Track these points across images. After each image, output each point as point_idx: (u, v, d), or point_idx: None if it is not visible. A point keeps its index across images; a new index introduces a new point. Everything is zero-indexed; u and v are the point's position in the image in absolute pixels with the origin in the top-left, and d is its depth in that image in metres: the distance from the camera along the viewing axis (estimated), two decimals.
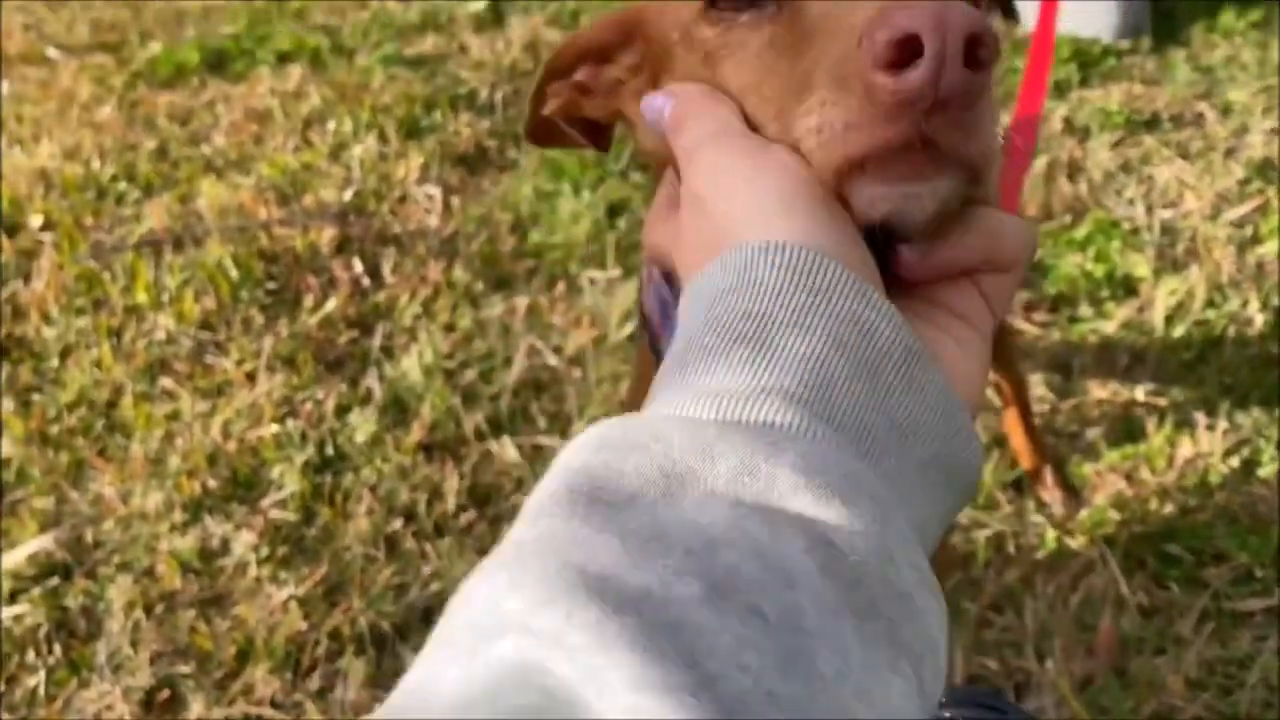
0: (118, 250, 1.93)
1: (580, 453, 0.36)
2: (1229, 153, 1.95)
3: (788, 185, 0.43)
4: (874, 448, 0.37)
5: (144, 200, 2.17)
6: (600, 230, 1.87)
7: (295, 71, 2.69)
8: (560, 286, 1.75)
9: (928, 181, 0.43)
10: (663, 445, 0.34)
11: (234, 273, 1.80)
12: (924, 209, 0.44)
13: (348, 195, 2.10)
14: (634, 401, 0.83)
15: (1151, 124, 2.08)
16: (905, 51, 0.40)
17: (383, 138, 2.31)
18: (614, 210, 1.93)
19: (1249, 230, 1.71)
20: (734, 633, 0.30)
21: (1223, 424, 1.32)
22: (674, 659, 0.28)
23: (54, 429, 1.54)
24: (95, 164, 2.30)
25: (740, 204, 0.43)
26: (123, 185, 2.22)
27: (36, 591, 1.30)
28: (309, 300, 1.75)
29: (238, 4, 3.30)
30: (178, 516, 1.37)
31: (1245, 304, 1.51)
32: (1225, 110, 2.12)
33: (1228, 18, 2.47)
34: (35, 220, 2.07)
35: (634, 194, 1.96)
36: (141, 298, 1.79)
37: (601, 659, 0.28)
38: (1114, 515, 1.23)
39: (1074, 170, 1.94)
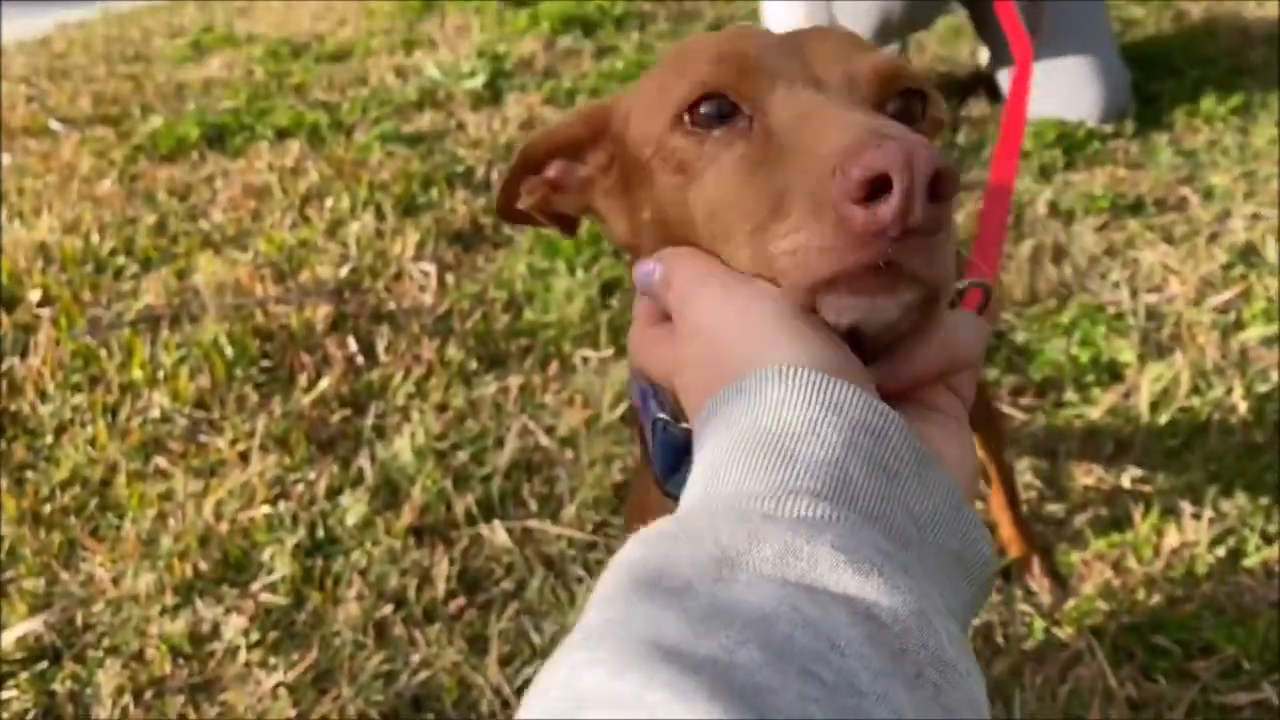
0: (114, 326, 1.95)
1: (639, 547, 0.39)
2: (1212, 237, 1.98)
3: (783, 311, 0.47)
4: (898, 536, 0.41)
5: (142, 275, 2.19)
6: (594, 309, 1.89)
7: (294, 147, 2.74)
8: (554, 365, 1.76)
9: (892, 296, 0.47)
10: (712, 536, 0.38)
11: (229, 350, 1.82)
12: (887, 319, 0.48)
13: (344, 272, 2.12)
14: (638, 496, 0.83)
15: (1136, 208, 2.12)
16: (875, 187, 0.44)
17: (380, 214, 2.34)
18: (608, 289, 1.95)
19: (1232, 315, 1.73)
20: (796, 690, 0.32)
21: (1209, 513, 1.33)
22: (747, 711, 0.31)
23: (47, 508, 1.54)
24: (95, 238, 2.32)
25: (743, 332, 0.47)
26: (121, 259, 2.25)
27: (24, 676, 1.29)
28: (303, 379, 1.76)
29: (238, 79, 3.36)
30: (169, 599, 1.36)
31: (1229, 391, 1.53)
32: (1207, 194, 2.16)
33: (1209, 103, 2.53)
34: (34, 295, 2.08)
35: (627, 273, 1.98)
36: (137, 375, 1.80)
37: (683, 711, 0.31)
38: (1102, 605, 1.23)
39: (1059, 254, 1.97)
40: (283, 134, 2.82)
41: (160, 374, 1.79)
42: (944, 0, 2.63)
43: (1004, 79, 2.66)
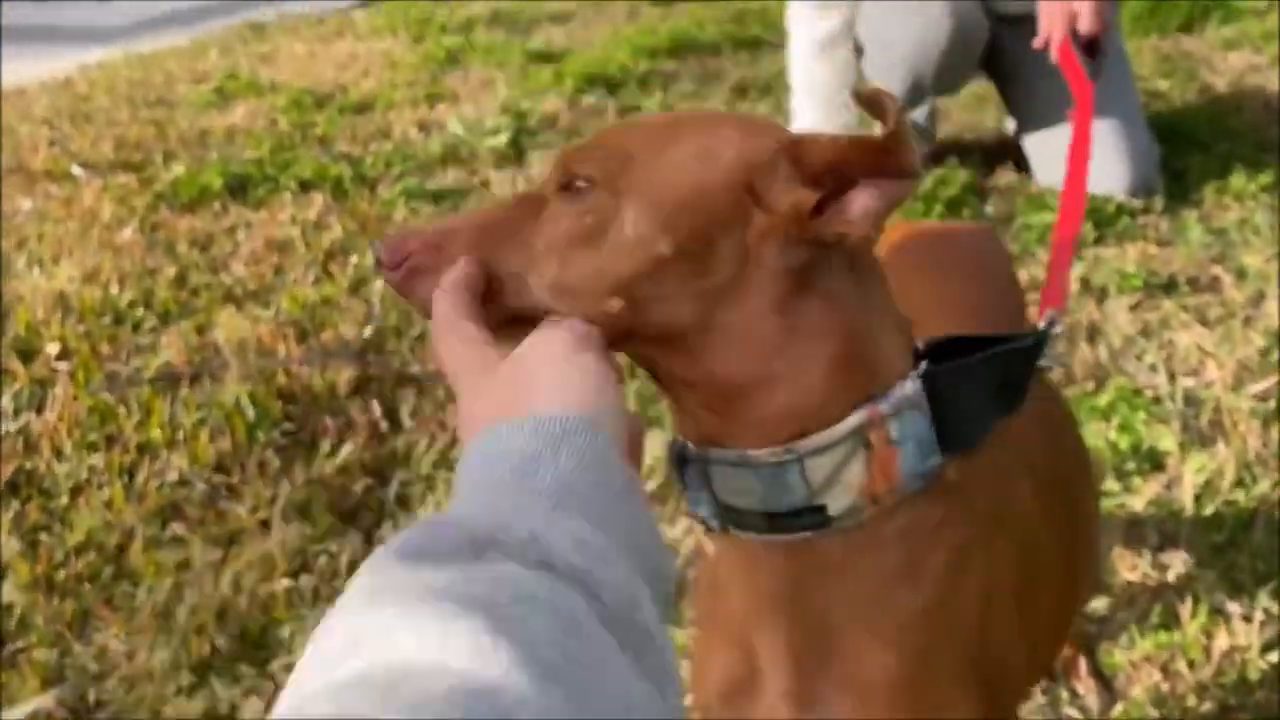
0: (133, 383, 1.92)
1: (403, 535, 0.46)
2: (1247, 320, 1.96)
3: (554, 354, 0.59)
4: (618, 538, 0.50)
5: (161, 329, 2.17)
6: (621, 379, 1.86)
7: (317, 200, 2.73)
8: None
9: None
10: (468, 527, 0.45)
11: (251, 412, 1.79)
12: None
13: (367, 332, 2.10)
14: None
15: (1169, 287, 2.09)
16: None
17: None
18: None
19: (1272, 404, 1.70)
20: (545, 624, 0.41)
21: (1259, 614, 1.29)
22: (512, 633, 0.39)
23: (60, 574, 1.51)
24: (114, 289, 2.31)
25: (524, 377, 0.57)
26: (140, 312, 2.23)
27: None
28: (325, 445, 1.73)
29: (261, 128, 3.37)
30: (185, 678, 1.32)
31: (1275, 484, 1.50)
32: (1240, 275, 2.14)
33: (1238, 180, 2.51)
34: (52, 348, 2.06)
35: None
36: (156, 435, 1.77)
37: (456, 629, 0.39)
38: (1152, 712, 1.19)
39: (1093, 333, 1.94)
40: (306, 186, 2.82)
41: (179, 435, 1.77)
42: (972, 66, 2.62)
43: (1031, 147, 2.66)
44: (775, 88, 3.53)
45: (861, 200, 0.58)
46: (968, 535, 0.66)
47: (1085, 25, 1.89)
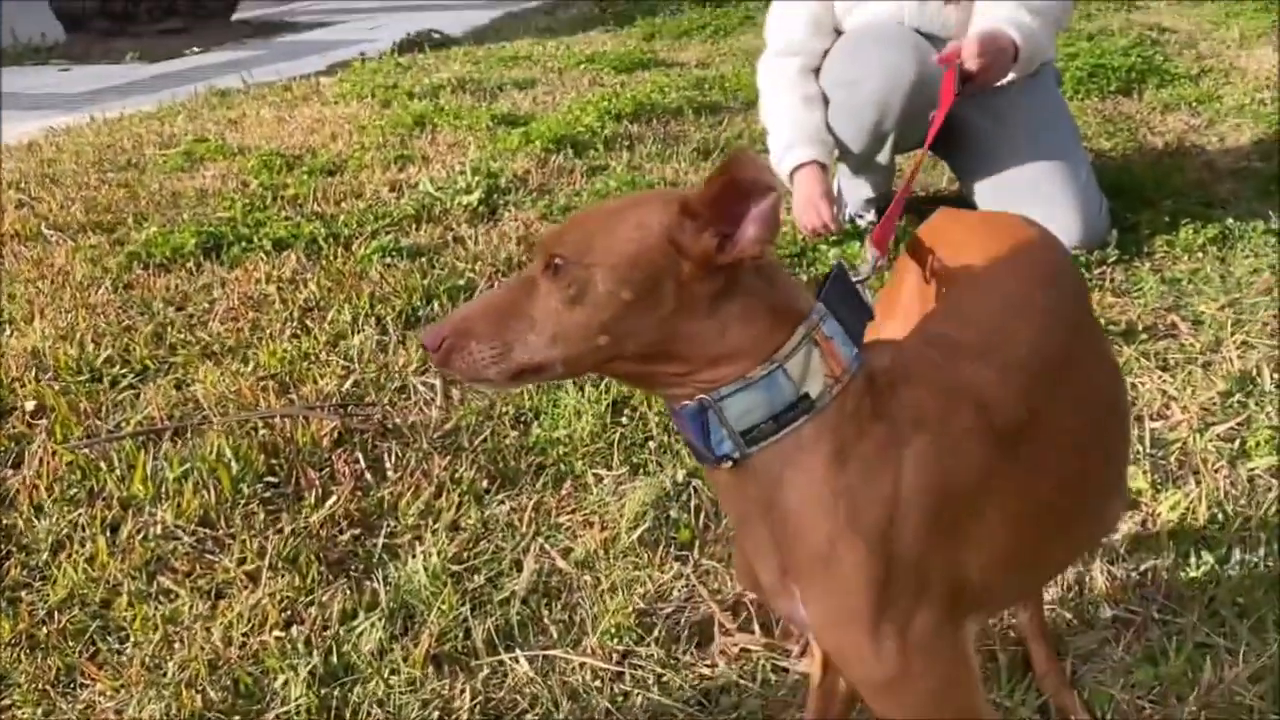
0: (114, 439, 1.91)
1: None
2: (1206, 365, 2.03)
3: None
4: None
5: (140, 385, 2.16)
6: (604, 427, 1.89)
7: (291, 258, 2.74)
8: (567, 484, 1.75)
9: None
10: None
11: (234, 465, 1.79)
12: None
13: (347, 385, 2.11)
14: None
15: (1128, 335, 2.16)
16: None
17: (381, 328, 2.34)
18: (617, 407, 1.95)
19: (1237, 443, 1.76)
20: None
21: (1243, 648, 1.33)
22: None
23: (43, 630, 1.49)
24: (90, 346, 2.30)
25: None
26: (118, 369, 2.22)
27: None
28: (311, 496, 1.73)
29: (232, 189, 3.38)
30: None
31: (1247, 520, 1.55)
32: (1196, 322, 2.22)
33: (1187, 233, 2.61)
34: (28, 405, 2.04)
35: (638, 391, 1.98)
36: (139, 489, 1.76)
37: None
38: None
39: None
40: (280, 245, 2.83)
41: (163, 489, 1.76)
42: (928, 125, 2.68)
43: (982, 202, 2.74)
44: (734, 147, 3.62)
45: (750, 231, 0.83)
46: (890, 431, 0.87)
47: (968, 63, 2.22)
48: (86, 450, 1.88)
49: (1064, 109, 2.80)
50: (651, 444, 1.83)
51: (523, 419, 1.97)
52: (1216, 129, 3.60)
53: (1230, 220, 2.67)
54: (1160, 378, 1.99)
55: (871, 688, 0.89)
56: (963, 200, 2.93)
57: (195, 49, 7.42)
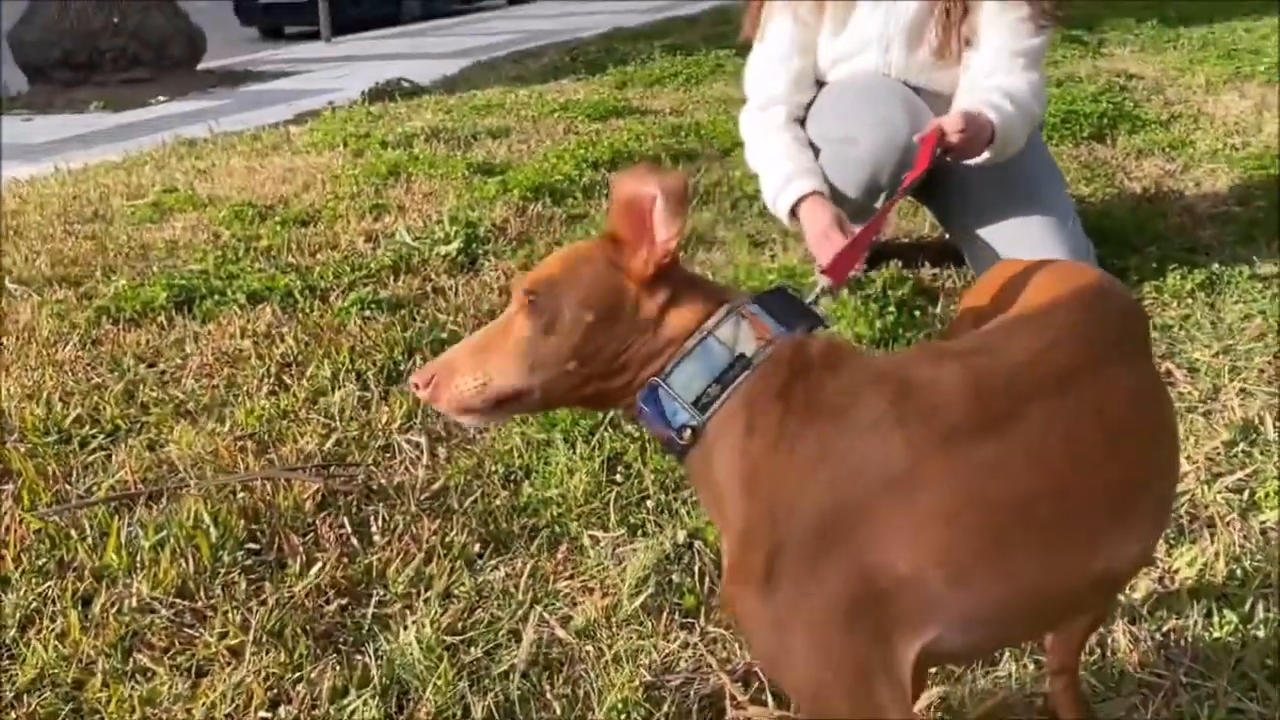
0: (85, 504, 1.83)
1: None
2: (1207, 414, 2.00)
3: None
4: None
5: (111, 446, 2.08)
6: (599, 486, 1.83)
7: (266, 312, 2.67)
8: (563, 547, 1.68)
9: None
10: None
11: (213, 532, 1.71)
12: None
13: (329, 444, 2.03)
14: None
15: None
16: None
17: (363, 383, 2.27)
18: (611, 463, 1.89)
19: (1246, 495, 1.73)
20: None
21: (1277, 715, 1.28)
22: None
23: (11, 716, 1.40)
24: (58, 406, 2.21)
25: None
26: (87, 429, 2.13)
27: None
28: (295, 564, 1.65)
29: (203, 241, 3.31)
30: None
31: (1266, 576, 1.51)
32: (1192, 370, 2.20)
33: (1175, 279, 2.60)
34: None
35: (631, 446, 1.93)
36: (112, 559, 1.67)
37: None
38: None
39: None
40: (254, 298, 2.76)
41: (139, 558, 1.67)
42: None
43: (969, 251, 2.72)
44: (714, 195, 3.60)
45: (658, 234, 0.97)
46: (799, 409, 0.94)
47: (951, 136, 2.17)
48: (56, 518, 1.79)
49: (1048, 156, 2.79)
50: (649, 503, 1.77)
51: (513, 477, 1.90)
52: (1192, 174, 3.63)
53: (1216, 265, 2.67)
54: None
55: (758, 654, 1.00)
56: (946, 248, 2.92)
57: (160, 98, 7.36)
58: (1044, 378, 0.95)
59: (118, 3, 8.18)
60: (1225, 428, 1.93)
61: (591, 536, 1.71)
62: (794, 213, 2.52)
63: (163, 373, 2.40)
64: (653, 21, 9.65)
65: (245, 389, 2.28)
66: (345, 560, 1.67)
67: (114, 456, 2.03)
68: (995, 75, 2.42)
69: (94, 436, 2.10)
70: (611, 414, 2.03)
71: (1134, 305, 1.14)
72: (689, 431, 0.97)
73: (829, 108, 2.53)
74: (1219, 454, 1.86)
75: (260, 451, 2.02)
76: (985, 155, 2.41)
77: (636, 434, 1.98)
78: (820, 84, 2.69)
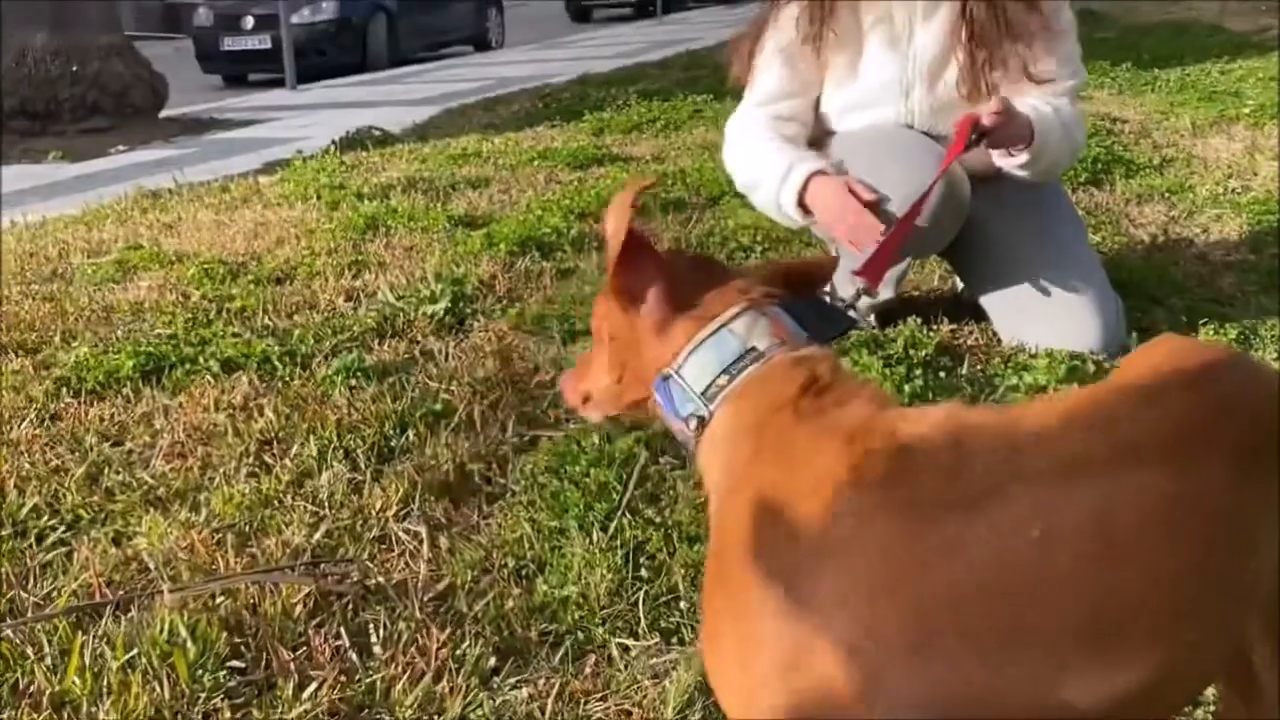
0: (44, 618, 1.62)
1: None
2: None
3: None
4: None
5: (72, 540, 1.86)
6: (623, 582, 1.64)
7: (243, 381, 2.47)
8: (590, 660, 1.50)
9: None
10: None
11: (191, 648, 1.50)
12: None
13: (318, 535, 1.84)
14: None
15: None
16: None
17: (352, 463, 2.08)
18: (634, 555, 1.71)
19: None
20: None
21: None
22: None
23: None
24: (12, 493, 2.00)
25: None
26: (45, 520, 1.92)
27: None
28: (287, 685, 1.45)
29: (172, 302, 3.11)
30: None
31: None
32: None
33: (1208, 334, 2.48)
34: None
35: (654, 534, 1.75)
36: (74, 683, 1.46)
37: None
38: None
39: None
40: (229, 366, 2.56)
41: (105, 681, 1.46)
42: (959, 224, 2.47)
43: (991, 306, 2.59)
44: (709, 246, 3.45)
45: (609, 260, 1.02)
46: (751, 427, 0.96)
47: (985, 119, 2.13)
48: (10, 633, 1.58)
49: (1072, 208, 2.68)
50: (681, 604, 1.59)
51: (525, 572, 1.71)
52: (1197, 220, 3.54)
53: (1246, 320, 2.55)
54: None
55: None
56: (960, 301, 2.79)
57: (121, 147, 7.14)
58: (1044, 461, 0.83)
59: (76, 50, 7.98)
60: None
61: (620, 645, 1.52)
62: (801, 205, 2.33)
63: (129, 452, 2.19)
64: (623, 67, 9.58)
65: (222, 470, 2.08)
66: (343, 679, 1.47)
67: (75, 554, 1.82)
68: (1032, 97, 2.34)
69: (53, 529, 1.89)
70: (629, 499, 1.85)
71: (1258, 402, 0.92)
72: (696, 421, 0.99)
73: (853, 163, 2.38)
74: None
75: (241, 545, 1.82)
76: (1024, 158, 2.30)
77: (658, 518, 1.80)
78: (828, 133, 2.56)
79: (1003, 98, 2.18)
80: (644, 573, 1.67)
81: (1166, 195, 3.84)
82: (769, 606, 0.83)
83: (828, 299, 1.13)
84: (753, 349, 0.97)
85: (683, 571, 1.65)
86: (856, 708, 0.80)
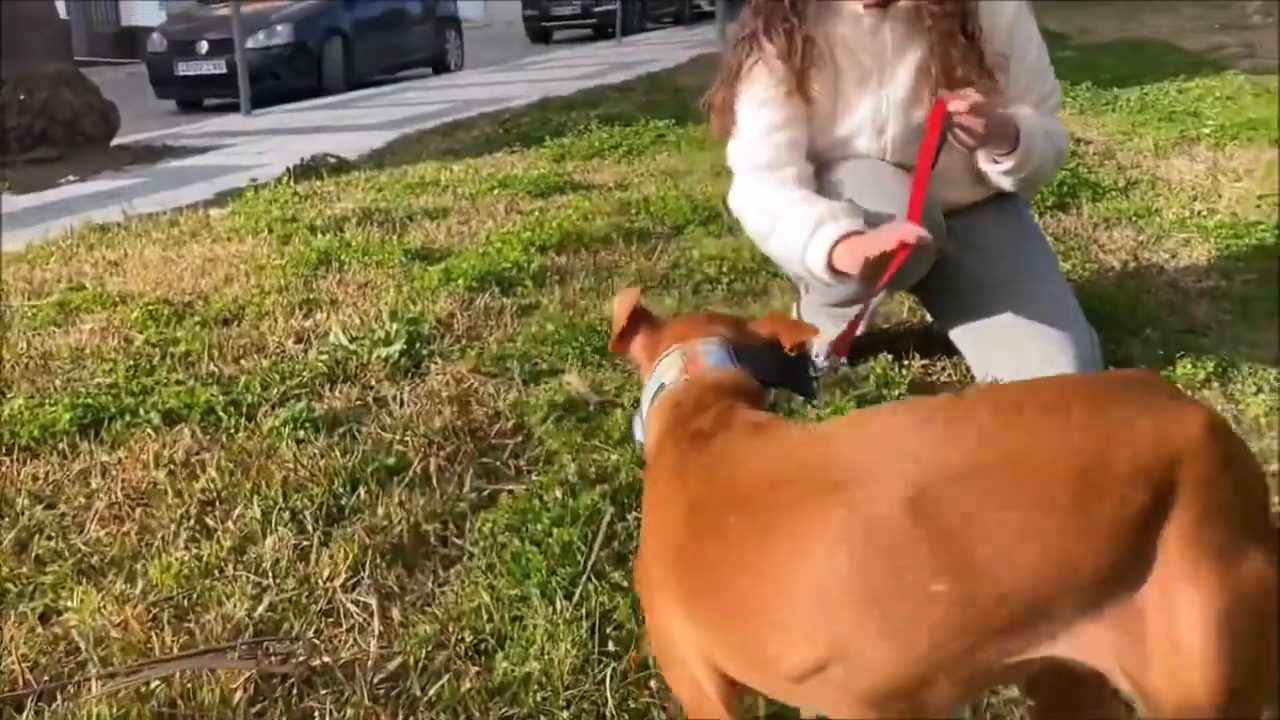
0: None
1: None
2: None
3: None
4: None
5: None
6: (589, 658, 1.54)
7: (185, 434, 2.35)
8: None
9: None
10: None
11: None
12: None
13: (260, 608, 1.72)
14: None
15: None
16: None
17: (299, 525, 1.96)
18: (600, 626, 1.61)
19: None
20: None
21: None
22: None
23: None
24: None
25: None
26: None
27: None
28: None
29: (113, 347, 2.98)
30: None
31: None
32: None
33: (1185, 368, 2.42)
34: None
35: (622, 601, 1.65)
36: None
37: None
38: None
39: None
40: (171, 418, 2.44)
41: None
42: (933, 258, 2.39)
43: (962, 341, 2.52)
44: (675, 279, 3.37)
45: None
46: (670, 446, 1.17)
47: (953, 103, 2.07)
48: None
49: (1042, 238, 2.61)
50: (652, 682, 1.49)
51: (483, 647, 1.61)
52: (1165, 245, 3.50)
53: (1224, 351, 2.49)
54: None
55: None
56: (930, 334, 2.72)
57: (71, 178, 6.96)
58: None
59: (24, 79, 7.78)
60: None
61: None
62: (830, 265, 2.11)
63: (63, 516, 2.06)
64: (584, 90, 9.50)
65: (161, 536, 1.96)
66: None
67: (0, 632, 1.69)
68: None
69: None
70: (594, 561, 1.75)
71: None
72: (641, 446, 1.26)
73: (828, 195, 2.30)
74: None
75: (178, 620, 1.70)
76: (1010, 163, 2.24)
77: (626, 582, 1.70)
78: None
79: (972, 93, 2.08)
80: (611, 646, 1.57)
81: (1134, 219, 3.81)
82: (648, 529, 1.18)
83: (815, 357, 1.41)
84: (661, 384, 1.24)
85: (651, 647, 1.55)
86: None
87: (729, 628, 1.00)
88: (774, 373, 1.26)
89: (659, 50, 14.04)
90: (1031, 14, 2.41)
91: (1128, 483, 0.85)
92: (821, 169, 2.42)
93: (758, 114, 2.34)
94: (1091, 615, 0.86)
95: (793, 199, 2.23)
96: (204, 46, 12.14)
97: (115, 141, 8.33)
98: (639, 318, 1.32)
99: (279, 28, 12.38)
